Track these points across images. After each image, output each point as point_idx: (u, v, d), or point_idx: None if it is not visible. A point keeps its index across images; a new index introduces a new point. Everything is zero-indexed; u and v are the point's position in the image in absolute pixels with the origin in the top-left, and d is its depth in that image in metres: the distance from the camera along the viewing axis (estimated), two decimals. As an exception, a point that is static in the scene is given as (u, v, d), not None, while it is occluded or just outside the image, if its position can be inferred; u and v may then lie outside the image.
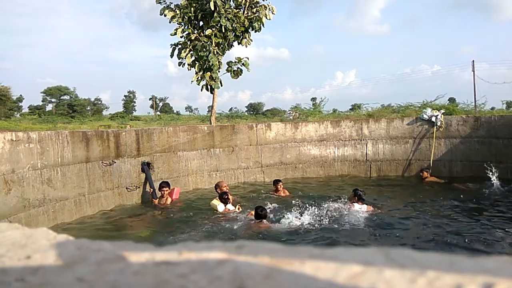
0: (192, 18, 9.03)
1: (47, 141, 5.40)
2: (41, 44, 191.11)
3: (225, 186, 6.65)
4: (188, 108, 78.61)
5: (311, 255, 0.55)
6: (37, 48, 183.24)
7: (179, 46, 9.15)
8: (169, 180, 7.07)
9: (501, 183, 7.27)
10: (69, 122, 32.91)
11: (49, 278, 0.54)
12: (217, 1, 8.46)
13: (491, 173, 7.46)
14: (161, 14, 9.03)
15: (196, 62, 9.14)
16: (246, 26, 9.18)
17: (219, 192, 6.43)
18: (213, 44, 8.95)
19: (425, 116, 8.77)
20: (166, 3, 9.15)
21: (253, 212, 5.31)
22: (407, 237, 4.77)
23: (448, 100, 16.92)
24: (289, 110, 18.33)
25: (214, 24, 8.86)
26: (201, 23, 9.28)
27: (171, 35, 8.92)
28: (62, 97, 60.82)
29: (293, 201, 6.07)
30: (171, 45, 9.22)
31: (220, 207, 5.97)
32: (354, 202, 5.84)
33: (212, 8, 8.46)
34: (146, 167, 6.91)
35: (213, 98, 9.63)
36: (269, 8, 9.32)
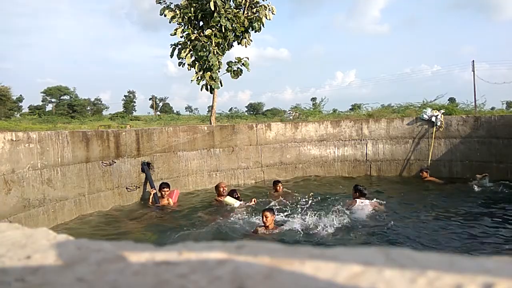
0: (192, 18, 9.03)
1: (47, 141, 5.40)
2: (41, 44, 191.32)
3: (223, 186, 6.65)
4: (188, 108, 78.74)
5: (311, 255, 0.55)
6: (37, 48, 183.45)
7: (179, 46, 9.15)
8: (169, 180, 7.07)
9: (501, 183, 7.27)
10: (69, 122, 32.95)
11: (49, 278, 0.54)
12: (217, 1, 8.46)
13: (489, 173, 7.49)
14: (161, 14, 9.03)
15: (196, 62, 9.14)
16: (246, 26, 9.18)
17: (222, 192, 6.49)
18: (213, 44, 8.95)
19: (425, 116, 8.77)
20: (166, 3, 9.15)
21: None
22: (407, 237, 4.77)
23: (448, 100, 16.93)
24: (289, 110, 18.31)
25: (214, 24, 8.86)
26: (201, 23, 9.28)
27: (171, 35, 8.93)
28: (62, 97, 60.85)
29: (294, 202, 6.07)
30: (171, 45, 9.22)
31: (237, 203, 6.17)
32: (356, 198, 5.82)
33: (212, 8, 8.46)
34: (146, 167, 6.92)
35: (213, 98, 9.63)
36: (269, 8, 9.32)
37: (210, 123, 9.56)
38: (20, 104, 55.57)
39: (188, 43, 9.02)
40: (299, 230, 4.89)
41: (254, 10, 9.28)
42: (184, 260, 0.56)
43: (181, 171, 7.69)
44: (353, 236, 4.71)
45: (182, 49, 9.04)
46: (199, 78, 9.20)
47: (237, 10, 9.19)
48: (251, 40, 9.54)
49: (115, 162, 6.49)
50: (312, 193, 6.39)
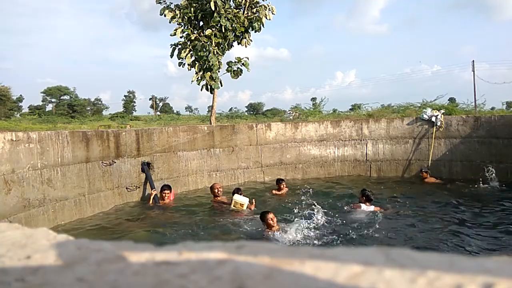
0: (192, 18, 9.03)
1: (47, 141, 5.40)
2: (41, 44, 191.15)
3: (218, 187, 6.62)
4: (188, 108, 78.75)
5: (311, 255, 0.55)
6: (37, 48, 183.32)
7: (179, 46, 9.15)
8: (169, 180, 7.07)
9: (501, 184, 7.27)
10: (69, 122, 32.96)
11: (49, 278, 0.54)
12: (217, 1, 8.46)
13: (488, 173, 7.49)
14: (161, 14, 9.04)
15: (196, 62, 9.14)
16: (246, 26, 9.19)
17: (217, 193, 6.49)
18: (213, 44, 8.96)
19: (425, 116, 8.77)
20: (166, 3, 9.15)
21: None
22: (407, 237, 4.77)
23: (448, 100, 16.89)
24: (289, 110, 18.34)
25: (214, 24, 8.87)
26: (201, 23, 9.28)
27: (171, 35, 8.93)
28: (62, 97, 60.88)
29: (297, 202, 6.06)
30: (171, 45, 9.22)
31: (246, 200, 6.03)
32: (362, 203, 5.82)
33: (212, 8, 8.47)
34: (146, 167, 6.92)
35: (213, 98, 9.64)
36: (269, 8, 9.32)
37: (210, 123, 9.56)
38: (20, 104, 55.70)
39: (188, 43, 9.03)
40: (301, 230, 4.89)
41: (254, 10, 9.28)
42: (184, 260, 0.56)
43: (181, 171, 7.69)
44: (354, 237, 4.71)
45: (182, 49, 9.05)
46: (199, 78, 9.20)
47: (237, 10, 9.20)
48: (251, 40, 9.54)
49: (115, 162, 6.49)
50: (311, 188, 6.39)
